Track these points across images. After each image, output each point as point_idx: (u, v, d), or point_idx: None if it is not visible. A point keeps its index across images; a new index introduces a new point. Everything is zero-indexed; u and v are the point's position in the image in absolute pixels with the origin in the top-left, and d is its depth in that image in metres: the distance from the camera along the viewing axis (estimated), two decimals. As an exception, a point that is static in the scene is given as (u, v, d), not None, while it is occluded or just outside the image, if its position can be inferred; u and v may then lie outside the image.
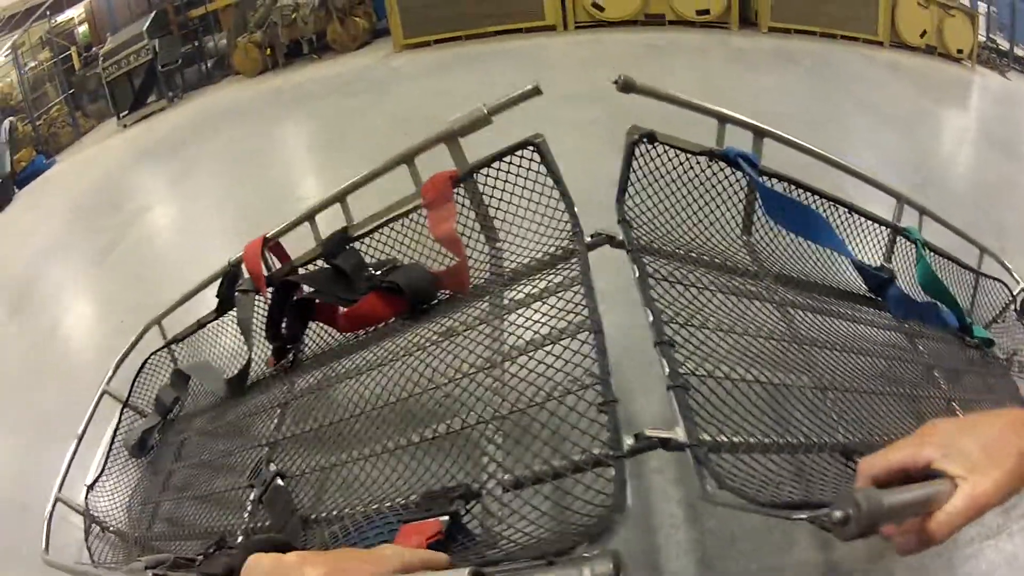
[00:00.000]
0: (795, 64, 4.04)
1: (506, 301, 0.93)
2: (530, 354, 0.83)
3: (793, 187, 1.07)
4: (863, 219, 1.16)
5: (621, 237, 0.95)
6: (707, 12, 4.77)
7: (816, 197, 1.09)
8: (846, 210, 1.13)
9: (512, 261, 0.99)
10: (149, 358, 1.39)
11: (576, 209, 0.96)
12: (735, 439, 0.77)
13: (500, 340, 0.88)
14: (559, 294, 0.88)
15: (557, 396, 0.77)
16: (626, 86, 0.98)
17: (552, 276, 0.92)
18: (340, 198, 1.12)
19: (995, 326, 1.42)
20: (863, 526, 0.57)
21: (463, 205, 1.02)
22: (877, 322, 1.13)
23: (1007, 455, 0.55)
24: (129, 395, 1.37)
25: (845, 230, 1.14)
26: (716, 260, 1.01)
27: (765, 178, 1.06)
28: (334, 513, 0.86)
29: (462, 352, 0.89)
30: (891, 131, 3.12)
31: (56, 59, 6.57)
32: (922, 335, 1.15)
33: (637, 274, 0.88)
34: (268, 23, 5.69)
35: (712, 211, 1.05)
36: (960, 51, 4.57)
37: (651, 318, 0.82)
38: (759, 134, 1.07)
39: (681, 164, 1.01)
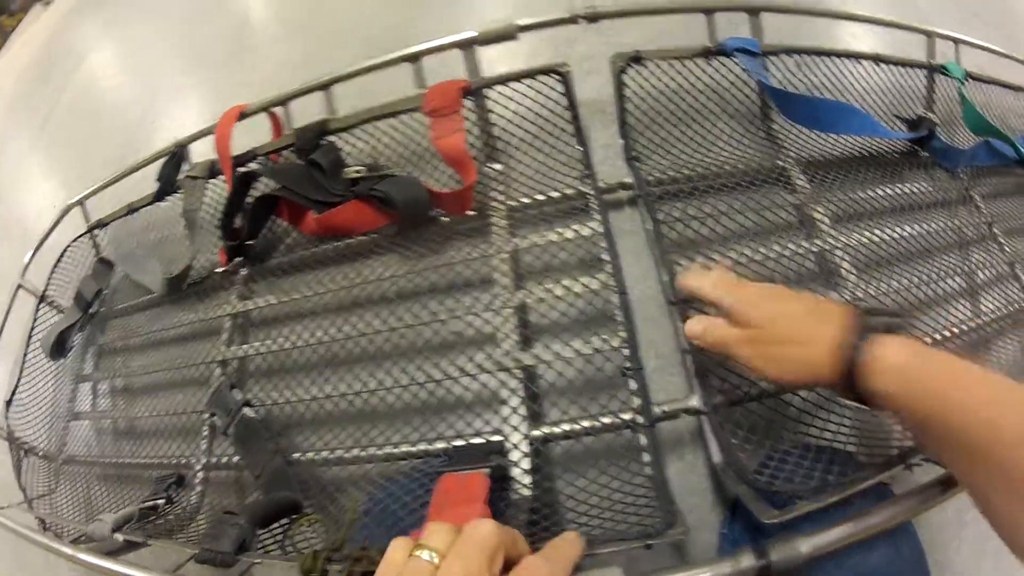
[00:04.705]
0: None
1: (515, 237, 0.85)
2: (550, 303, 0.78)
3: (807, 56, 0.98)
4: (895, 68, 1.03)
5: (631, 180, 0.89)
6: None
7: (835, 58, 0.99)
8: (872, 62, 1.02)
9: (518, 193, 0.91)
10: (70, 245, 1.20)
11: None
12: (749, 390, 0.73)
13: (512, 279, 0.82)
14: (577, 243, 0.82)
15: (585, 353, 0.73)
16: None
17: (567, 222, 0.85)
18: (326, 86, 0.96)
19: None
20: None
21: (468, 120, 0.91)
22: (922, 186, 1.00)
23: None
24: (46, 288, 1.19)
25: (877, 83, 1.02)
26: (739, 167, 0.94)
27: (771, 59, 0.96)
28: (322, 455, 0.79)
29: (469, 285, 0.82)
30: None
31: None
32: (978, 184, 1.03)
33: (649, 225, 0.83)
34: None
35: (720, 115, 0.96)
36: None
37: (665, 277, 0.78)
38: (752, 12, 0.96)
39: (679, 74, 0.92)
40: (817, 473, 0.66)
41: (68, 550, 0.83)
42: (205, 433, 0.90)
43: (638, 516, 0.64)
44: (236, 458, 0.85)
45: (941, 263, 0.90)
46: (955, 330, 0.84)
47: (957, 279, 0.90)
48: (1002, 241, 0.96)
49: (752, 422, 0.74)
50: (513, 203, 0.89)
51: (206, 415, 0.90)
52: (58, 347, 1.15)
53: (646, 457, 0.69)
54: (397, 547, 0.43)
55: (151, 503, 0.89)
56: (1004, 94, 1.13)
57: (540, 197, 0.89)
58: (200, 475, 0.88)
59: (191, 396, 0.97)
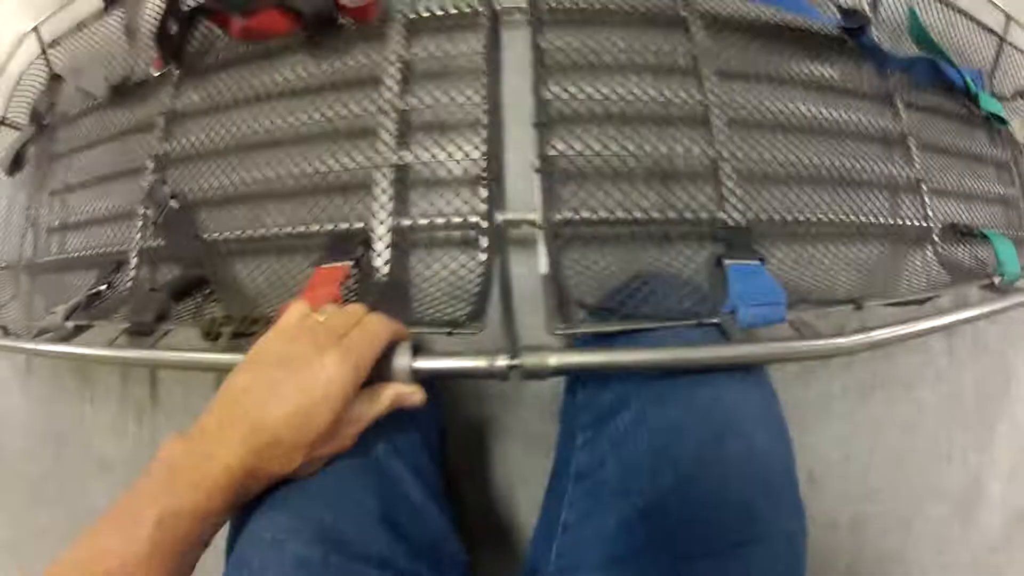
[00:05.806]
0: None
1: (410, 46, 0.94)
2: (428, 109, 0.88)
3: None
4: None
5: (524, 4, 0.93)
6: None
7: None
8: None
9: (422, 7, 0.97)
10: (27, 69, 1.27)
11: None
12: (586, 214, 0.83)
13: (399, 84, 0.90)
14: (465, 56, 0.89)
15: (447, 159, 0.84)
16: None
17: (462, 35, 0.92)
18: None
19: (1011, 104, 1.12)
20: None
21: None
22: (841, 72, 1.00)
23: None
24: (6, 110, 1.27)
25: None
26: (639, 9, 0.97)
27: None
28: (234, 235, 0.92)
29: (362, 85, 0.91)
30: None
31: None
32: (905, 93, 1.01)
33: (531, 52, 0.88)
34: None
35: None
36: None
37: (533, 102, 0.84)
38: None
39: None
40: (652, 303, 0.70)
41: (28, 344, 0.98)
42: (139, 224, 1.03)
43: (460, 310, 0.76)
44: (163, 243, 0.98)
45: (840, 150, 0.93)
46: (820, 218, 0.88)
47: (854, 172, 0.93)
48: (913, 154, 0.98)
49: (590, 242, 0.85)
50: (414, 15, 0.96)
51: (140, 209, 1.03)
52: (14, 162, 1.25)
53: (481, 257, 0.80)
54: (297, 305, 0.56)
55: (95, 290, 1.04)
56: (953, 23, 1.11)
57: (439, 12, 0.95)
58: (135, 261, 1.01)
59: (127, 189, 1.08)
